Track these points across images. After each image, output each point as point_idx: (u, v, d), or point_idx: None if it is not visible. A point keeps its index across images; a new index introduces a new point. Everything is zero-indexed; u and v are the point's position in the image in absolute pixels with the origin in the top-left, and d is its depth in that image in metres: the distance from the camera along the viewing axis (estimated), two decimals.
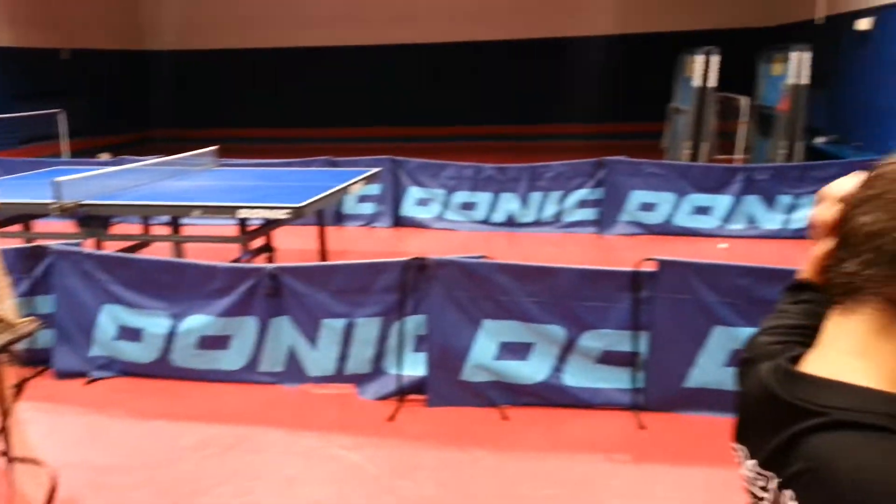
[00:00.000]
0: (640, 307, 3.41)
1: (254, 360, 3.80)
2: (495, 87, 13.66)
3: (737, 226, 6.52)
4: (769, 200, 6.42)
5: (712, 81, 8.11)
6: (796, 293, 0.86)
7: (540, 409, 3.50)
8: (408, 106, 13.91)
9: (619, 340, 3.47)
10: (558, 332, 3.49)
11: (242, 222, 4.65)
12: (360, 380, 3.70)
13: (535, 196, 7.04)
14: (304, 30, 13.73)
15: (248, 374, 3.80)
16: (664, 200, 6.68)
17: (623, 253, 5.84)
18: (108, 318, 3.82)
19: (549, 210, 7.01)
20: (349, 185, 5.26)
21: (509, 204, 7.10)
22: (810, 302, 0.84)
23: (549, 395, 3.53)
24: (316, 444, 3.26)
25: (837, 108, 9.11)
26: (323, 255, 5.65)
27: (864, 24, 8.12)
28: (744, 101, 8.91)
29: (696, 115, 8.23)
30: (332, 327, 3.65)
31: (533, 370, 3.53)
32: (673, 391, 3.43)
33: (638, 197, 6.74)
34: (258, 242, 5.25)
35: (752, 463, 0.75)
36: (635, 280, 3.42)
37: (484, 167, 7.18)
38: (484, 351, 3.53)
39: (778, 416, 0.71)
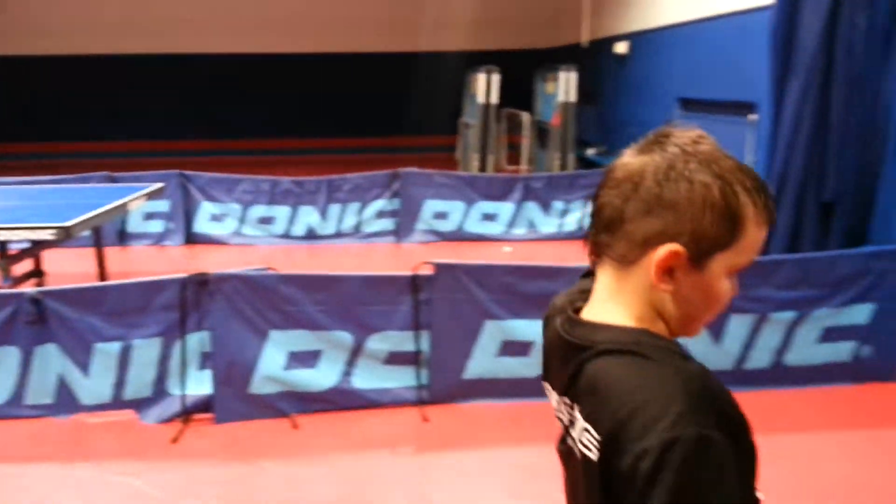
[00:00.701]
0: (421, 308, 3.64)
1: (18, 394, 3.48)
2: (288, 101, 13.57)
3: (519, 230, 7.11)
4: (545, 206, 7.09)
5: (494, 98, 8.76)
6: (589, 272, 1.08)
7: (331, 413, 3.59)
8: (200, 119, 13.36)
9: (403, 341, 3.66)
10: (346, 337, 3.61)
11: (2, 246, 4.23)
12: (140, 404, 3.53)
13: (335, 208, 7.14)
14: (88, 37, 12.66)
15: (11, 409, 3.48)
16: (455, 209, 7.09)
17: (419, 260, 6.10)
18: None
19: (349, 222, 7.14)
20: (128, 202, 4.99)
21: (309, 217, 7.12)
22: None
23: (340, 400, 3.63)
24: (91, 474, 3.08)
25: (604, 122, 10.25)
26: (102, 277, 5.29)
27: (621, 47, 9.24)
28: (525, 117, 9.72)
29: (482, 130, 8.84)
30: (106, 352, 3.46)
31: (322, 377, 3.61)
32: (453, 384, 3.69)
33: (431, 206, 7.09)
34: (25, 267, 4.79)
35: (556, 396, 0.95)
36: (414, 283, 3.64)
37: (281, 180, 7.14)
38: (272, 362, 3.55)
39: (566, 354, 0.93)
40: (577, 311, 0.97)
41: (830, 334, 3.69)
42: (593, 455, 0.85)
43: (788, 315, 3.64)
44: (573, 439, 0.90)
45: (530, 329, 3.64)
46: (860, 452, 3.16)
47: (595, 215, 0.94)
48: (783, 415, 3.48)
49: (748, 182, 0.90)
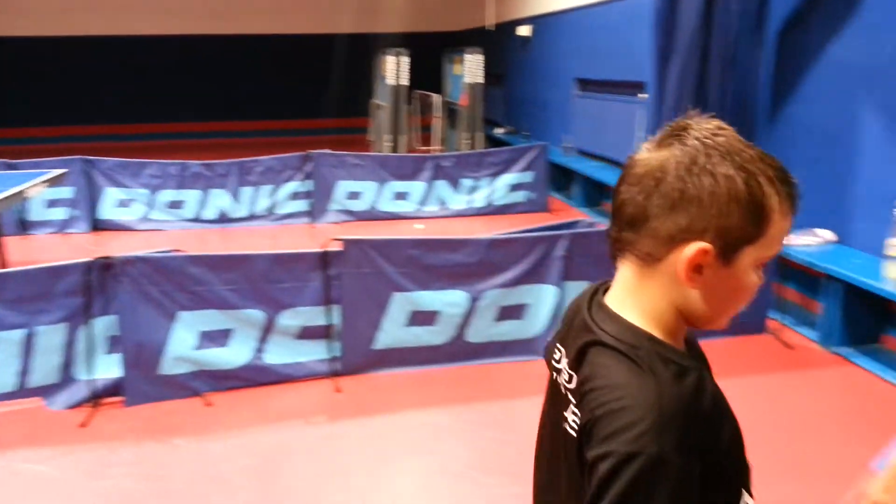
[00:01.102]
0: (331, 283, 3.76)
1: None
2: (199, 84, 13.23)
3: (431, 207, 7.29)
4: (455, 184, 7.30)
5: (404, 80, 8.88)
6: None
7: (245, 390, 3.67)
8: (104, 103, 12.83)
9: (314, 316, 3.78)
10: (257, 315, 3.69)
11: None
12: (47, 391, 3.51)
13: (247, 191, 7.10)
14: None
15: None
16: (368, 189, 7.20)
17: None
18: None
19: (262, 204, 7.13)
20: (27, 189, 4.84)
21: (220, 200, 7.06)
22: None
23: (253, 376, 3.72)
24: None
25: (510, 103, 10.56)
26: (2, 265, 5.11)
27: (524, 30, 9.52)
28: (436, 98, 9.89)
29: (393, 111, 8.94)
30: (8, 340, 3.40)
31: (235, 354, 3.69)
32: (364, 355, 3.85)
33: (344, 187, 7.17)
34: None
35: (565, 361, 0.97)
36: (324, 259, 3.76)
37: (190, 164, 7.03)
38: (182, 342, 3.60)
39: (582, 329, 0.95)
40: (607, 290, 0.98)
41: None
42: (573, 433, 0.90)
43: None
44: (564, 404, 0.94)
45: (437, 299, 3.84)
46: (740, 395, 3.53)
47: (616, 212, 0.92)
48: None
49: (771, 172, 0.87)
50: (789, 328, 4.20)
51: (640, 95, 6.30)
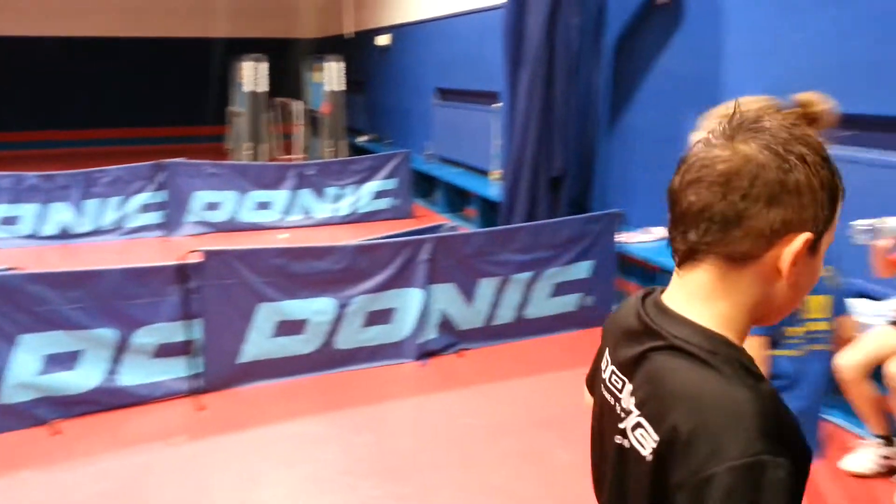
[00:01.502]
0: (190, 297, 3.62)
1: None
2: (37, 89, 12.16)
3: (295, 217, 7.18)
4: (319, 192, 7.24)
5: (263, 86, 8.69)
6: None
7: (97, 415, 3.45)
8: None
9: (172, 332, 3.62)
10: (109, 334, 3.48)
11: None
12: None
13: (92, 204, 6.64)
14: None
15: None
16: (227, 199, 6.97)
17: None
18: None
19: (109, 217, 6.69)
20: None
21: (61, 214, 6.54)
22: None
23: (106, 400, 3.50)
24: None
25: (372, 111, 10.63)
26: None
27: (383, 39, 9.63)
28: (297, 106, 9.75)
29: (251, 118, 8.72)
30: None
31: (84, 377, 3.45)
32: (229, 369, 3.74)
33: (202, 197, 6.89)
34: None
35: (613, 367, 0.93)
36: (181, 272, 3.61)
37: (25, 176, 6.47)
38: (24, 368, 3.32)
39: (638, 334, 0.90)
40: (656, 298, 0.94)
41: (560, 289, 4.34)
42: (645, 452, 0.83)
43: (526, 275, 4.22)
44: (622, 417, 0.90)
45: (304, 307, 3.81)
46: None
47: (686, 216, 0.88)
48: (527, 361, 4.04)
49: (831, 156, 0.87)
50: None
51: (494, 105, 6.60)
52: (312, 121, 9.72)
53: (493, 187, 6.50)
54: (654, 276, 4.52)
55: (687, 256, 0.89)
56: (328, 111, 8.92)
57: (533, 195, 4.92)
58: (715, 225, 0.85)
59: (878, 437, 2.89)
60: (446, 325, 4.08)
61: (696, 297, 0.88)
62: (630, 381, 0.89)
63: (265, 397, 3.69)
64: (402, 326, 4.03)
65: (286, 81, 9.95)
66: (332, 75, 8.80)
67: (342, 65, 8.82)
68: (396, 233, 4.17)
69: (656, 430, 0.82)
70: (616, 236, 4.44)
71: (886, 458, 2.88)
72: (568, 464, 3.02)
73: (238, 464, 3.11)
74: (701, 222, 0.86)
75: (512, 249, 4.11)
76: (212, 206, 6.94)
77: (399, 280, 3.96)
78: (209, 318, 3.67)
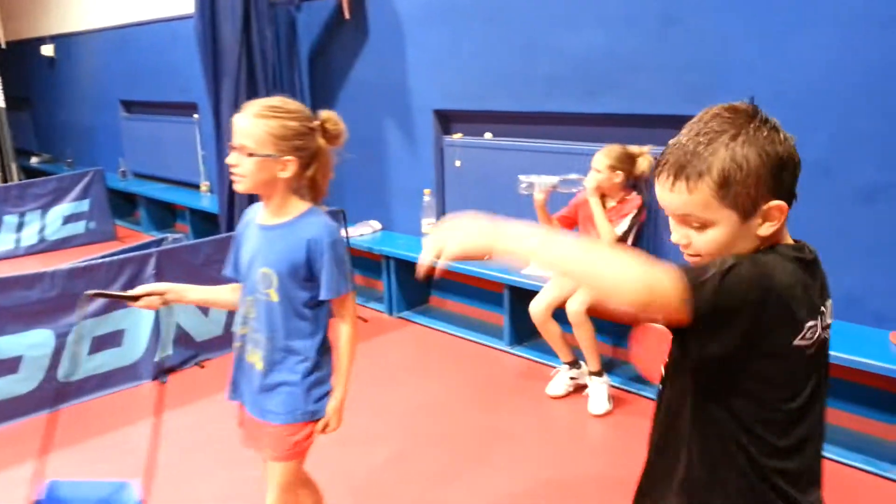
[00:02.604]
0: None
1: None
2: None
3: None
4: None
5: None
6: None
7: None
8: None
9: None
10: None
11: None
12: None
13: None
14: None
15: None
16: None
17: None
18: None
19: None
20: None
21: None
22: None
23: None
24: None
25: (42, 128, 9.50)
26: None
27: (48, 50, 8.67)
28: None
29: None
30: None
31: None
32: None
33: None
34: None
35: (822, 307, 1.11)
36: None
37: None
38: None
39: (817, 269, 1.13)
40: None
41: None
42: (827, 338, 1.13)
43: None
44: (823, 329, 1.11)
45: (17, 343, 3.45)
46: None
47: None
48: None
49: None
50: (362, 306, 4.99)
51: (194, 116, 6.49)
52: None
53: (205, 199, 6.39)
54: (377, 265, 4.98)
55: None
56: None
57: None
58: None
59: (566, 363, 3.68)
60: (184, 338, 4.02)
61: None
62: (826, 298, 1.14)
63: None
64: (135, 347, 3.87)
65: None
66: None
67: None
68: (114, 251, 3.97)
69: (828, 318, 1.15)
70: (343, 232, 4.79)
71: (573, 378, 3.68)
72: (323, 444, 3.29)
73: None
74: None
75: None
76: None
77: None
78: None
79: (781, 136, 1.05)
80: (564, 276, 1.05)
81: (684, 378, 1.14)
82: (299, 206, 1.89)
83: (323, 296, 1.86)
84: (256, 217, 1.95)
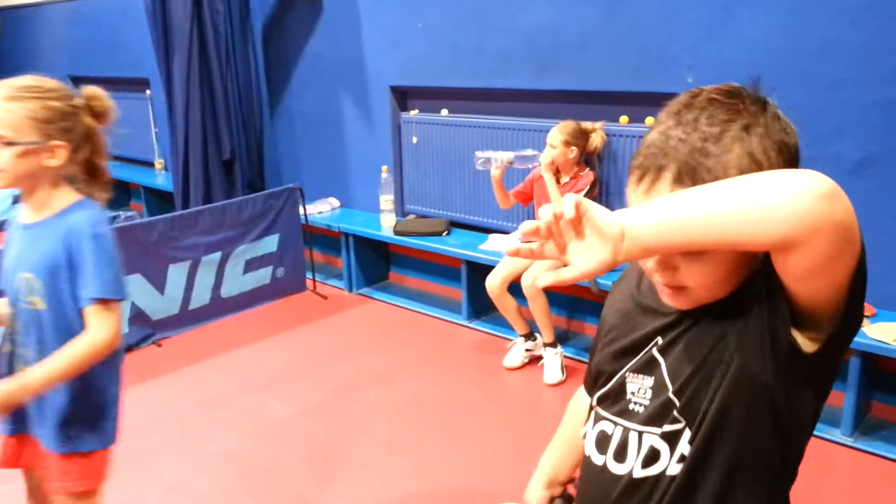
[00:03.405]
0: None
1: None
2: None
3: None
4: None
5: None
6: None
7: None
8: None
9: None
10: None
11: None
12: None
13: None
14: None
15: None
16: None
17: None
18: None
19: None
20: None
21: None
22: None
23: None
24: None
25: None
26: None
27: None
28: None
29: None
30: None
31: None
32: None
33: None
34: None
35: None
36: None
37: None
38: None
39: None
40: None
41: (251, 265, 4.55)
42: None
43: (216, 256, 4.32)
44: None
45: None
46: (296, 343, 4.12)
47: None
48: (229, 337, 4.18)
49: None
50: (322, 283, 5.00)
51: (147, 92, 6.35)
52: None
53: (159, 177, 6.29)
54: (336, 242, 4.99)
55: None
56: None
57: (206, 179, 4.96)
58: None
59: (522, 336, 3.77)
60: (139, 317, 3.99)
61: None
62: None
63: None
64: None
65: None
66: None
67: None
68: None
69: None
70: (300, 209, 4.77)
71: (529, 350, 3.78)
72: (284, 417, 3.33)
73: None
74: None
75: (198, 232, 4.17)
76: None
77: None
78: None
79: (790, 124, 0.90)
80: (711, 235, 0.77)
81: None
82: (67, 198, 1.65)
83: (82, 298, 1.57)
84: (19, 215, 1.70)
